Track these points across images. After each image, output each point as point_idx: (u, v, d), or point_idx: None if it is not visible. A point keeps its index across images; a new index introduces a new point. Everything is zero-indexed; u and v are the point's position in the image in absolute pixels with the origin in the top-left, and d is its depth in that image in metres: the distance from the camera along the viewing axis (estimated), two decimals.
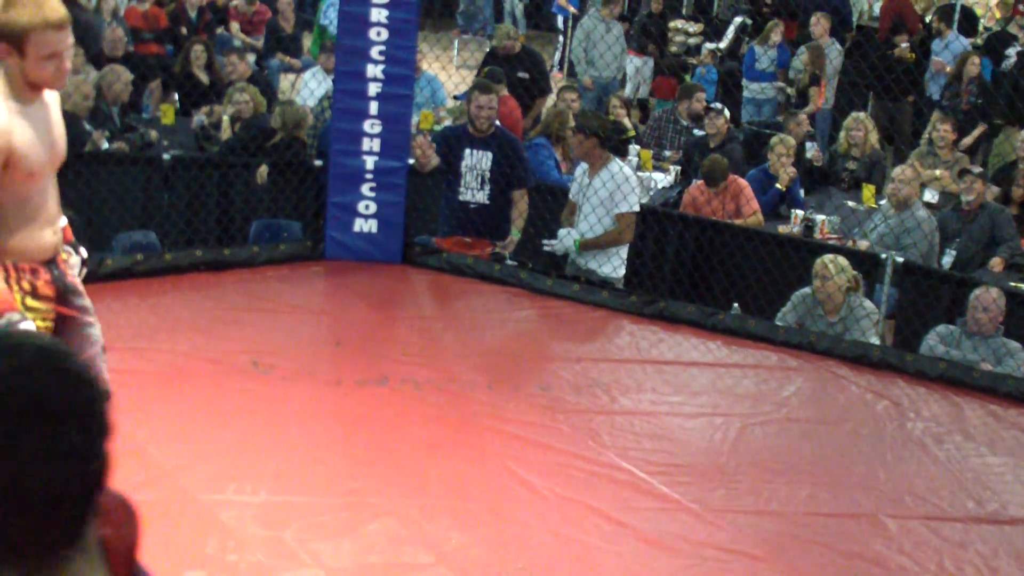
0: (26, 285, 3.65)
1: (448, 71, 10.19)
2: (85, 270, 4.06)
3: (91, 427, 1.33)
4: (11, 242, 3.65)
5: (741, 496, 5.12)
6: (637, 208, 7.38)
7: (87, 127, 8.37)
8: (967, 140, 10.49)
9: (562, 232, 7.40)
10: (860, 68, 11.46)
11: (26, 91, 3.57)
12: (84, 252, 4.06)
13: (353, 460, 5.17)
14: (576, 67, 12.36)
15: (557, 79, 13.65)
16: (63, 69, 3.54)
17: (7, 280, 3.59)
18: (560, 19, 15.15)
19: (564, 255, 7.50)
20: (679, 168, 9.38)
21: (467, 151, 7.51)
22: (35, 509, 1.30)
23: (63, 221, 3.97)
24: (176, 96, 10.17)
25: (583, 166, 7.44)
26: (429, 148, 7.54)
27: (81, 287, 3.96)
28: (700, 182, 8.42)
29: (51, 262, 3.83)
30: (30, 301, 3.65)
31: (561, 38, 15.16)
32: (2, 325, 3.43)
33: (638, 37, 12.84)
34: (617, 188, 7.22)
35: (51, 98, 3.79)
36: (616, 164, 7.32)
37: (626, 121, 9.96)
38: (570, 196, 7.55)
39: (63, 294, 3.82)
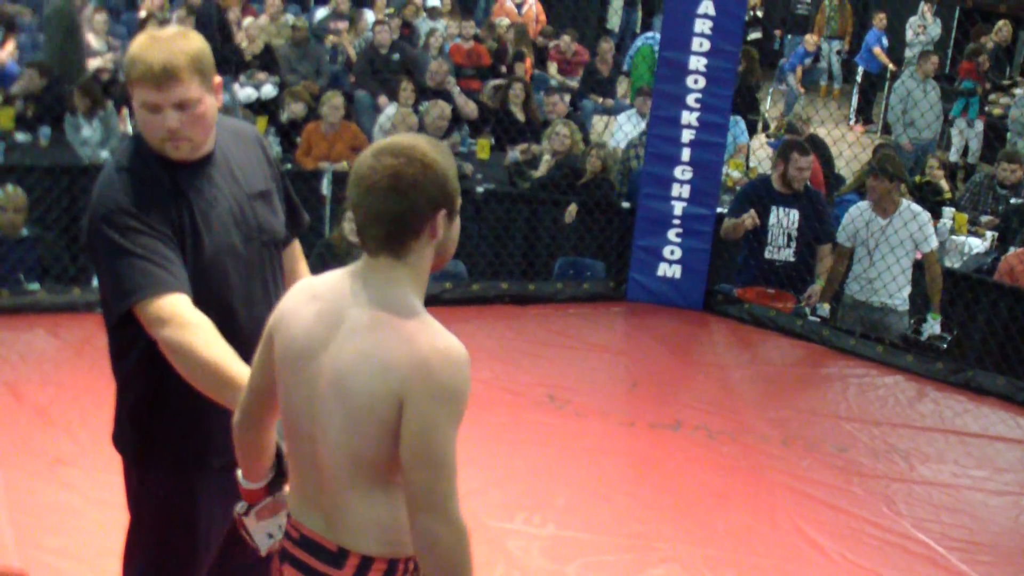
0: None
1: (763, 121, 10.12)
2: None
3: None
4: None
5: None
6: (936, 243, 7.29)
7: None
8: None
9: (926, 326, 7.26)
10: None
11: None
12: None
13: (641, 502, 5.19)
14: (893, 128, 12.05)
15: (859, 132, 13.38)
16: None
17: None
18: (860, 70, 14.82)
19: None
20: (996, 234, 9.00)
21: (773, 208, 7.42)
22: None
23: None
24: (491, 131, 10.48)
25: (864, 211, 7.26)
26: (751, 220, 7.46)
27: None
28: (1019, 250, 8.06)
29: None
30: None
31: (856, 91, 14.87)
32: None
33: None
34: (919, 229, 7.12)
35: None
36: (912, 204, 7.26)
37: (943, 183, 9.66)
38: (842, 242, 7.36)
39: None
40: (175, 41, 2.77)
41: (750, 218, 7.38)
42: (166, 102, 2.73)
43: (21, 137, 9.11)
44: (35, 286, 6.87)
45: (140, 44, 2.78)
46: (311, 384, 2.35)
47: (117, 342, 2.93)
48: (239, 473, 2.68)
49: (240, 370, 2.65)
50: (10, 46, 11.04)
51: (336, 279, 2.42)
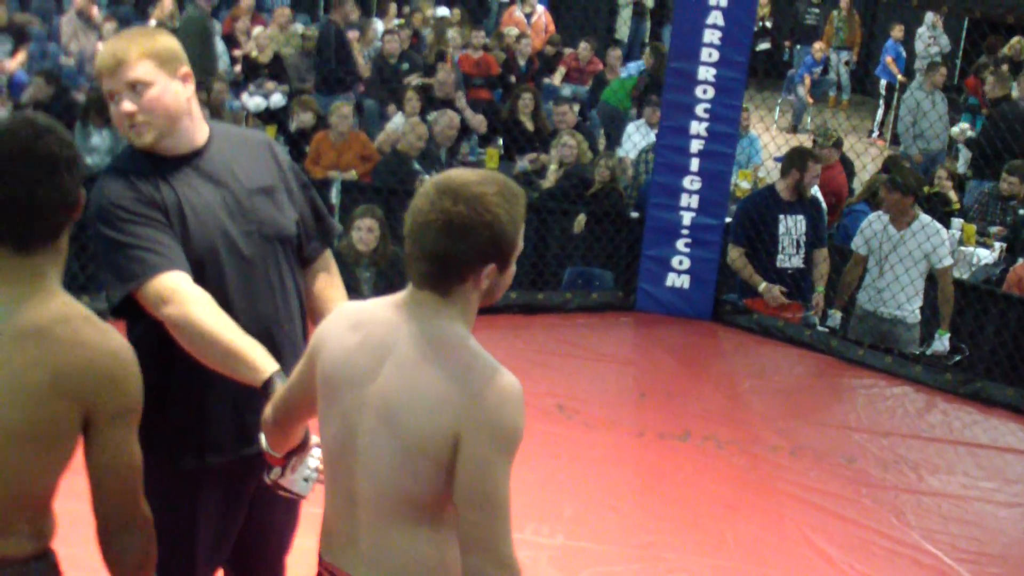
0: None
1: (771, 132, 10.11)
2: None
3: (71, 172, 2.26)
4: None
5: None
6: (951, 261, 7.23)
7: (416, 167, 8.74)
8: None
9: (935, 342, 7.25)
10: None
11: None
12: None
13: (649, 513, 5.19)
14: (902, 139, 12.04)
15: (880, 145, 13.35)
16: None
17: None
18: (883, 83, 14.83)
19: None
20: (1004, 245, 8.99)
21: (781, 217, 7.40)
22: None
23: None
24: (500, 141, 10.49)
25: (881, 219, 7.25)
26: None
27: None
28: None
29: None
30: None
31: (881, 103, 14.86)
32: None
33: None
34: (927, 240, 7.07)
35: None
36: (926, 217, 7.21)
37: (951, 194, 9.64)
38: (856, 249, 7.35)
39: None
40: (134, 35, 2.88)
41: (773, 294, 7.37)
42: (119, 86, 2.80)
43: None
44: None
45: (106, 42, 2.96)
46: (353, 417, 2.29)
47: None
48: (263, 441, 2.68)
49: (243, 340, 2.70)
50: (20, 56, 11.09)
51: (380, 309, 2.35)
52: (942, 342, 7.18)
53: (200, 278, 2.80)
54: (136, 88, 2.80)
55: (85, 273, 7.22)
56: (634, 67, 12.61)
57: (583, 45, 13.16)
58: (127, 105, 2.80)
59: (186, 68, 2.89)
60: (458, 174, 2.28)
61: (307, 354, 2.45)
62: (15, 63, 11.00)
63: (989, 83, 11.22)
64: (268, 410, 2.57)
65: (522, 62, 13.02)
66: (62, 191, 2.24)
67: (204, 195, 2.87)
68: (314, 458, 2.71)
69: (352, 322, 2.36)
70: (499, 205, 2.22)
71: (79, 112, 9.15)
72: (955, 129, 11.52)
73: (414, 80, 11.50)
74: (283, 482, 2.72)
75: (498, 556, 2.16)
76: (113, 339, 2.27)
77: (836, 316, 7.49)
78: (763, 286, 7.40)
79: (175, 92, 2.85)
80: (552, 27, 14.73)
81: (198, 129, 2.92)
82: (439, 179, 2.26)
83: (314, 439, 2.69)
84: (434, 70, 11.66)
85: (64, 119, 9.23)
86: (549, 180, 8.80)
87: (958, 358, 7.25)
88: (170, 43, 2.89)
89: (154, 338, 2.80)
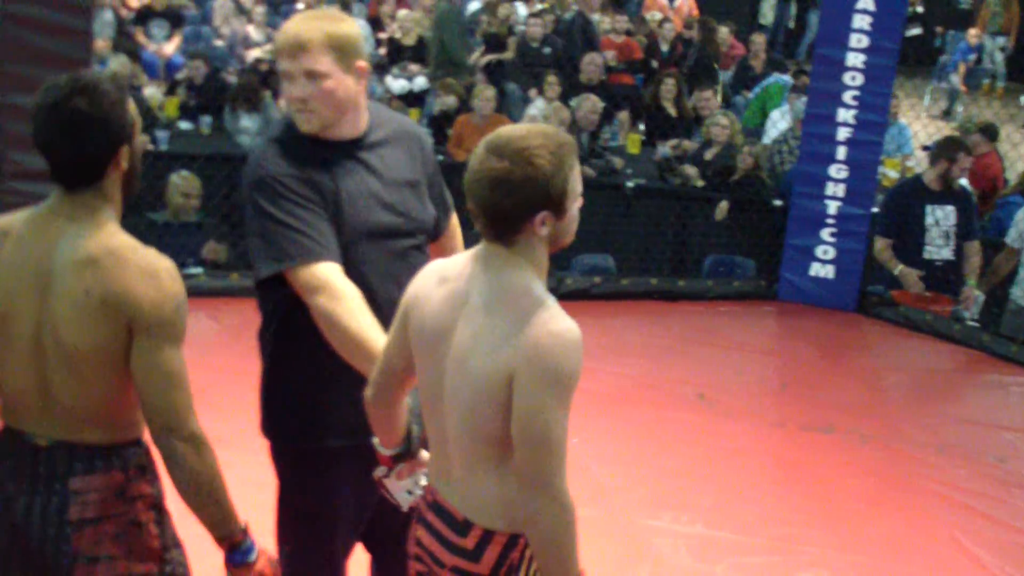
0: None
1: (921, 121, 9.88)
2: None
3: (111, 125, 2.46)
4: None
5: None
6: None
7: None
8: None
9: None
10: None
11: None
12: None
13: (789, 505, 5.11)
14: None
15: None
16: None
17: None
18: None
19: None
20: None
21: (928, 207, 7.24)
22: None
23: None
24: (642, 126, 10.43)
25: None
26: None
27: None
28: None
29: None
30: None
31: None
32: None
33: None
34: None
35: None
36: None
37: None
38: (1010, 242, 7.19)
39: None
40: (320, 18, 2.90)
41: (911, 279, 7.23)
42: (296, 71, 2.83)
43: (184, 125, 9.36)
44: (197, 270, 7.08)
45: (291, 19, 2.94)
46: (440, 364, 2.42)
47: (262, 315, 3.03)
48: (375, 440, 2.74)
49: (381, 344, 2.71)
50: (176, 40, 11.38)
51: (461, 262, 2.47)
52: None
53: (345, 262, 2.84)
54: (312, 77, 2.82)
55: (235, 251, 7.36)
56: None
57: (723, 30, 12.98)
58: (299, 91, 2.83)
59: (362, 62, 2.90)
60: (507, 130, 2.38)
61: (400, 313, 2.54)
62: (172, 46, 11.30)
63: None
64: (368, 388, 2.64)
65: (664, 47, 12.89)
66: (80, 146, 2.45)
67: (359, 182, 2.90)
68: (425, 476, 2.74)
69: (438, 278, 2.48)
70: (542, 156, 2.30)
71: (229, 95, 9.32)
72: None
73: (483, 59, 11.49)
74: (387, 482, 2.78)
75: (550, 491, 2.27)
76: (151, 260, 2.49)
77: (979, 297, 7.28)
78: (899, 269, 7.24)
79: (348, 86, 2.87)
80: (696, 12, 14.57)
81: (361, 118, 2.96)
82: (490, 137, 2.37)
83: (425, 455, 2.73)
84: (504, 46, 11.61)
85: (217, 100, 9.47)
86: (691, 170, 8.66)
87: None
88: (352, 32, 2.90)
89: (280, 320, 2.91)
